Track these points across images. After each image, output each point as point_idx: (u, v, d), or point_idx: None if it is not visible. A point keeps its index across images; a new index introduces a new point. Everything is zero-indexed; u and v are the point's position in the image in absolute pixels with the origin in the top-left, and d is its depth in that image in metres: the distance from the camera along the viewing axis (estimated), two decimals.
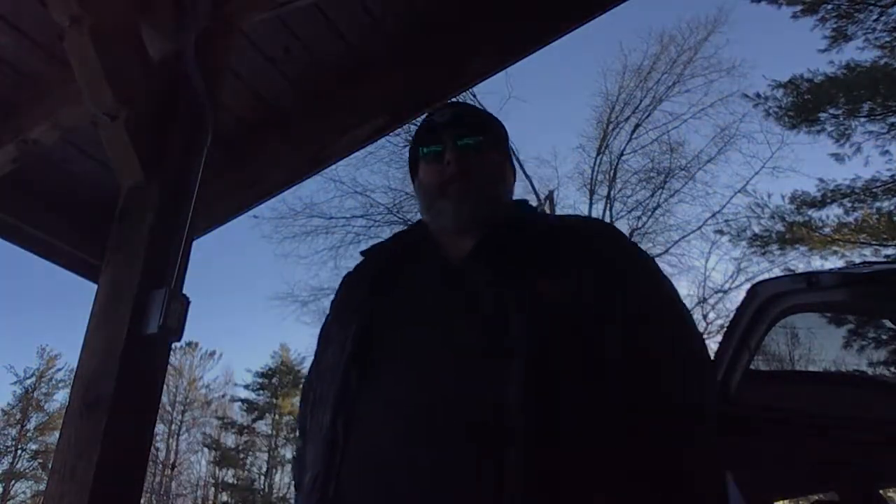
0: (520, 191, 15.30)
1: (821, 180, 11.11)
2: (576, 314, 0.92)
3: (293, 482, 1.20)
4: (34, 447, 26.20)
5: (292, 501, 1.20)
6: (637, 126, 15.36)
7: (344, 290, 1.21)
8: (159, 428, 27.37)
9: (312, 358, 1.24)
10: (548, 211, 15.39)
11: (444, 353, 0.93)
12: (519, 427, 0.83)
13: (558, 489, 0.82)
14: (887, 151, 10.47)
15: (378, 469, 0.89)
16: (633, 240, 1.19)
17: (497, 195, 1.16)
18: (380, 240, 1.30)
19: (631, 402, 0.86)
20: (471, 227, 1.09)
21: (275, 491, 30.13)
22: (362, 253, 1.24)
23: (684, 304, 1.03)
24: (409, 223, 1.33)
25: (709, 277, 15.08)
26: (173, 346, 1.61)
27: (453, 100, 1.25)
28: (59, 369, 27.15)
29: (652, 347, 0.92)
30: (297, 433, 1.22)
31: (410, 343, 0.97)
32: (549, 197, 15.48)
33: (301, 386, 1.31)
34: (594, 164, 15.58)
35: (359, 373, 0.97)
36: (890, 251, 10.62)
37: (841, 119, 10.67)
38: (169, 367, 1.66)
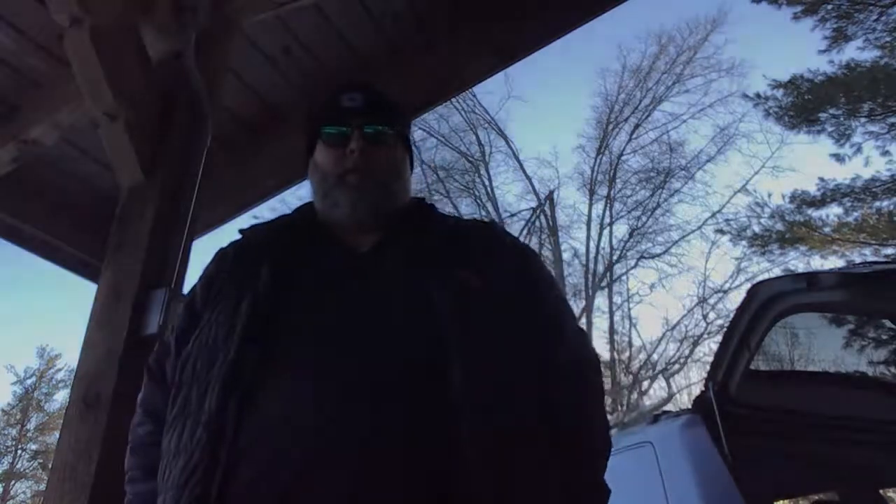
0: (520, 190, 15.32)
1: (821, 180, 11.12)
2: (492, 300, 0.95)
3: (129, 472, 1.05)
4: (34, 447, 26.18)
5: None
6: (637, 126, 15.40)
7: (221, 265, 1.10)
8: None
9: (167, 331, 1.11)
10: (548, 212, 15.38)
11: (365, 340, 0.87)
12: (464, 419, 0.80)
13: (507, 471, 0.81)
14: (887, 152, 10.47)
15: (276, 469, 0.79)
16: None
17: (395, 190, 1.11)
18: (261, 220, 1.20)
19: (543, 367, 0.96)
20: (366, 221, 1.05)
21: None
22: (241, 231, 1.15)
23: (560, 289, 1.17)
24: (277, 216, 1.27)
25: (709, 277, 15.09)
26: None
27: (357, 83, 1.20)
28: (59, 369, 27.13)
29: (552, 326, 1.04)
30: (142, 416, 1.06)
31: (323, 329, 0.90)
32: (549, 197, 15.48)
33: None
34: (594, 164, 15.62)
35: (255, 355, 0.88)
36: (890, 251, 10.62)
37: (841, 119, 10.67)
38: None
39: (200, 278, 1.11)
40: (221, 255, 1.12)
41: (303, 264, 1.01)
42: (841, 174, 11.87)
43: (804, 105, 10.88)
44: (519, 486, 0.82)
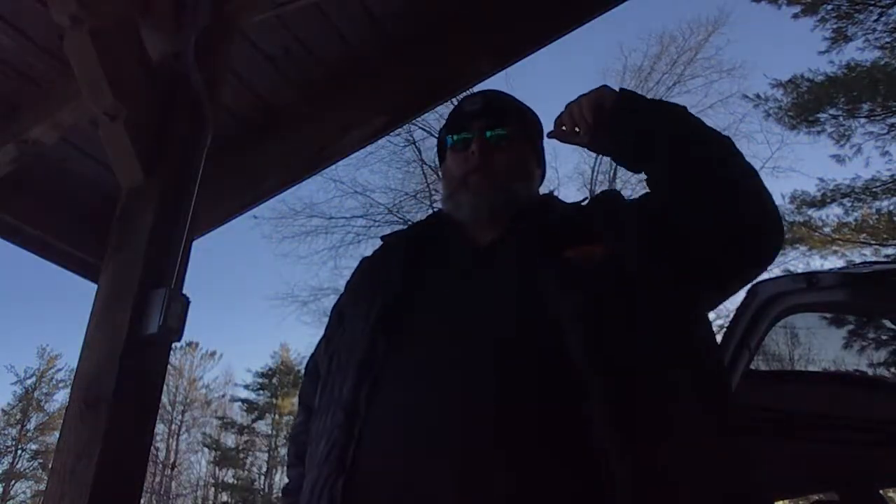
0: None
1: (821, 180, 11.12)
2: (605, 274, 0.92)
3: (287, 458, 1.18)
4: (34, 447, 26.19)
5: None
6: None
7: (363, 271, 1.20)
8: (159, 428, 27.39)
9: (322, 336, 1.22)
10: None
11: (471, 333, 0.91)
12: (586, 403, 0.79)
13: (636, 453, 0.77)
14: (887, 152, 10.47)
15: (402, 441, 0.84)
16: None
17: (517, 190, 1.14)
18: (401, 227, 1.31)
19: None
20: (488, 221, 1.09)
21: (275, 491, 30.11)
22: (383, 238, 1.24)
23: None
24: (409, 223, 1.34)
25: None
26: (173, 346, 1.61)
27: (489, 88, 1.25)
28: (59, 369, 27.16)
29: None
30: (299, 407, 1.20)
31: (436, 323, 0.96)
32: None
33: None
34: (594, 164, 15.58)
35: (386, 344, 0.94)
36: (890, 251, 10.62)
37: (841, 120, 10.66)
38: (169, 367, 1.66)
39: (346, 285, 1.22)
40: (363, 262, 1.23)
41: (432, 261, 1.07)
42: (841, 174, 11.86)
43: (804, 105, 10.88)
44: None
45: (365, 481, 0.84)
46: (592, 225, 1.01)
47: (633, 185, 15.46)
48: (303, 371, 1.29)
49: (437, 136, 1.25)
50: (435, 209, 1.25)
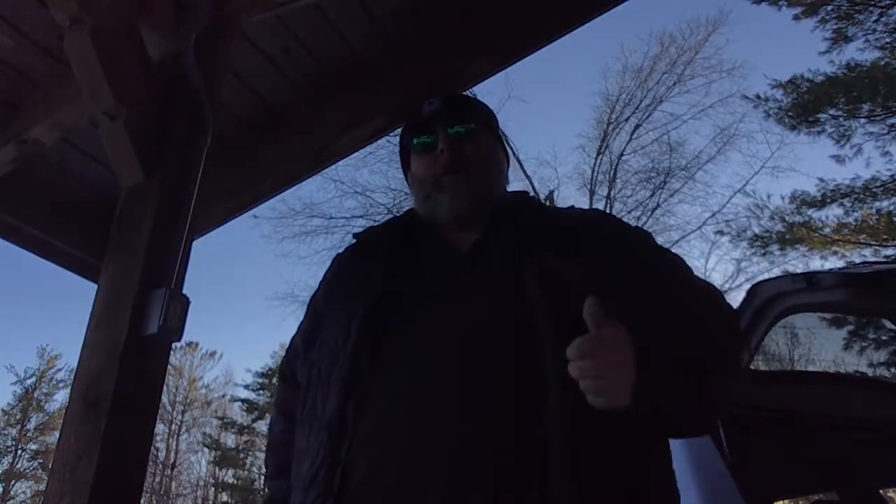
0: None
1: (821, 180, 11.11)
2: (591, 289, 0.90)
3: (267, 469, 1.15)
4: (34, 447, 26.19)
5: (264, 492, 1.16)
6: (637, 126, 15.38)
7: (338, 270, 1.17)
8: (159, 428, 27.39)
9: (296, 335, 1.18)
10: None
11: (464, 336, 0.90)
12: (556, 419, 0.80)
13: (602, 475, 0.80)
14: (887, 152, 10.46)
15: (399, 449, 0.83)
16: (631, 224, 1.19)
17: (492, 182, 1.15)
18: (372, 224, 1.27)
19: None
20: (468, 220, 1.08)
21: None
22: (355, 235, 1.21)
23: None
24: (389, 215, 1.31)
25: (709, 277, 15.02)
26: (173, 346, 1.61)
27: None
28: (59, 369, 27.16)
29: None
30: (276, 416, 1.17)
31: (426, 328, 0.94)
32: (549, 197, 15.47)
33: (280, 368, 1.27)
34: (594, 164, 15.61)
35: (369, 355, 0.92)
36: (890, 251, 10.62)
37: (841, 120, 10.65)
38: (169, 367, 1.66)
39: (320, 284, 1.18)
40: (338, 260, 1.20)
41: (412, 267, 1.05)
42: (841, 175, 11.86)
43: (804, 105, 10.87)
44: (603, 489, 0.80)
45: (356, 498, 0.83)
46: (571, 241, 1.00)
47: (632, 184, 15.48)
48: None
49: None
50: None
